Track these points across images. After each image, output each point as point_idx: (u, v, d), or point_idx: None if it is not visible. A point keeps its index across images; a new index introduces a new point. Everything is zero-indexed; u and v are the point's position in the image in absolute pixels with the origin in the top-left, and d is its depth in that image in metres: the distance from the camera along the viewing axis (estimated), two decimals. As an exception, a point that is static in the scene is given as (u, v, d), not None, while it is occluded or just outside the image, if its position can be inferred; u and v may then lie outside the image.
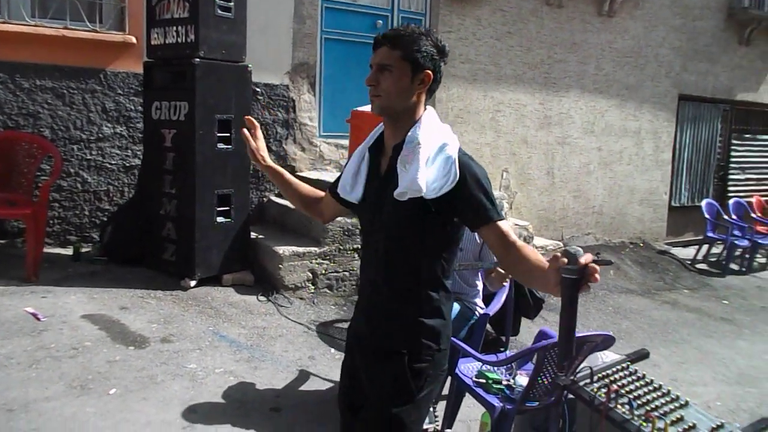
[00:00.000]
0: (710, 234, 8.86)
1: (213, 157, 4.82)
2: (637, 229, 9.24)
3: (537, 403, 3.06)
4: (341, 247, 5.25)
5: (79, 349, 3.73)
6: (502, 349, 3.87)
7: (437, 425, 3.41)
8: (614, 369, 2.56)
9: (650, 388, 2.44)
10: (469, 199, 1.78)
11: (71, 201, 5.35)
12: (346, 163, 2.08)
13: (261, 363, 3.94)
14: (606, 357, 3.11)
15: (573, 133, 8.34)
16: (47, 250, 5.04)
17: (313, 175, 6.11)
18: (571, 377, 2.50)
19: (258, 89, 5.98)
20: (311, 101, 6.47)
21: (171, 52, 4.87)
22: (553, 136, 8.16)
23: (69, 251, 5.19)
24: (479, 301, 3.80)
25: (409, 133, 1.84)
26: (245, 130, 2.18)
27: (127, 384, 3.44)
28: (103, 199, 5.48)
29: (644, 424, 2.19)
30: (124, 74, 5.46)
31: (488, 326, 3.87)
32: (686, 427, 2.20)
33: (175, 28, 4.78)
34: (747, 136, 10.75)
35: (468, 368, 3.36)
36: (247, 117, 2.26)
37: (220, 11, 4.76)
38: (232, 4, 4.82)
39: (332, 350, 4.32)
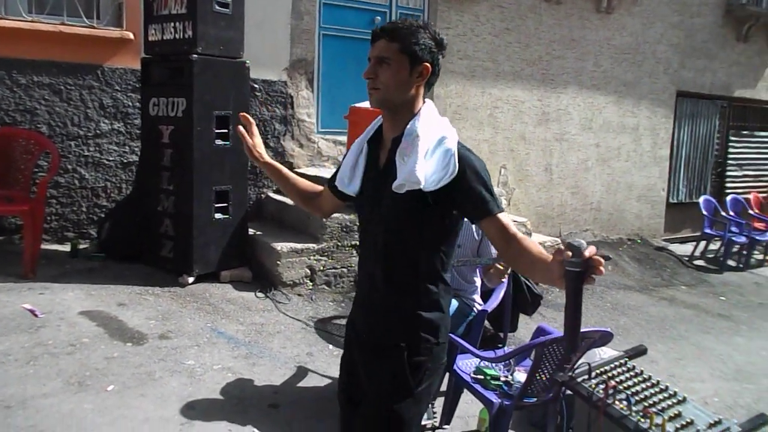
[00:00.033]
0: (708, 230, 8.87)
1: (211, 153, 4.81)
2: (635, 226, 9.26)
3: (535, 399, 3.06)
4: (339, 244, 5.25)
5: (77, 345, 3.72)
6: (500, 346, 3.87)
7: (435, 421, 3.42)
8: (612, 365, 2.56)
9: (648, 384, 2.45)
10: (468, 191, 1.78)
11: (69, 197, 5.34)
12: (345, 156, 2.08)
13: (259, 359, 3.94)
14: (604, 353, 3.11)
15: (571, 129, 8.34)
16: (45, 246, 5.03)
17: (311, 171, 6.11)
18: (569, 373, 2.50)
19: (256, 85, 5.97)
20: (309, 97, 6.46)
21: (168, 48, 4.86)
22: (551, 132, 8.16)
23: (66, 248, 5.19)
24: (477, 297, 3.80)
25: (408, 126, 1.84)
26: (241, 128, 2.18)
27: (124, 380, 3.44)
28: (100, 195, 5.47)
29: (642, 420, 2.20)
30: (121, 70, 5.44)
31: (486, 322, 3.87)
32: (684, 423, 2.21)
33: (172, 24, 4.77)
34: (744, 132, 10.77)
35: (466, 364, 3.36)
36: (242, 114, 2.25)
37: (217, 7, 4.74)
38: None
39: (330, 346, 4.32)
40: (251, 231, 5.39)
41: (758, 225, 9.15)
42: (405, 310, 1.87)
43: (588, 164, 8.60)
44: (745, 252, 8.88)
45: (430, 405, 3.24)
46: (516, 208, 7.84)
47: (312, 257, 5.15)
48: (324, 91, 6.63)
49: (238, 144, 4.78)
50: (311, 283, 5.16)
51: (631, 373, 2.52)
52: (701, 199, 9.12)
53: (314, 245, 5.17)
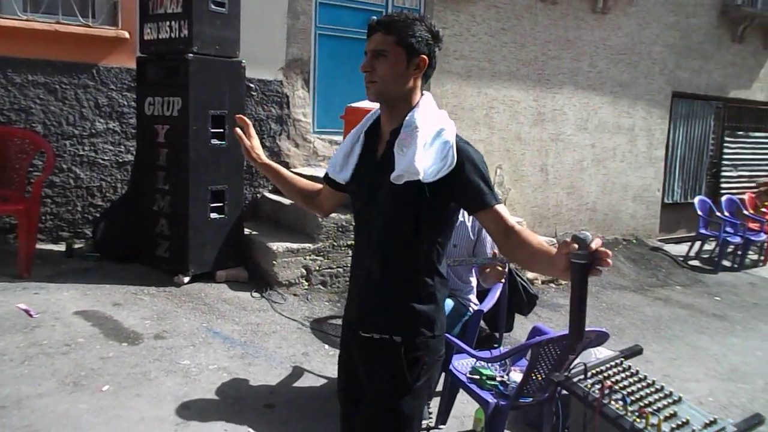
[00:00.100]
0: (703, 231, 8.89)
1: (206, 152, 4.80)
2: (630, 226, 9.28)
3: (531, 399, 3.07)
4: (335, 244, 5.25)
5: (72, 345, 3.71)
6: (495, 346, 3.86)
7: (431, 421, 3.42)
8: (608, 365, 2.57)
9: (644, 384, 2.46)
10: (466, 183, 1.78)
11: (64, 197, 5.32)
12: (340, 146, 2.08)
13: (255, 359, 3.93)
14: (599, 353, 3.12)
15: (566, 130, 8.35)
16: (39, 246, 5.02)
17: (307, 171, 6.10)
18: (565, 373, 2.51)
19: (252, 85, 5.96)
20: (305, 97, 6.45)
21: (164, 47, 4.85)
22: (547, 132, 8.17)
23: (62, 247, 5.17)
24: (473, 297, 3.80)
25: (407, 118, 1.84)
26: (238, 129, 2.17)
27: (120, 380, 3.43)
28: (95, 194, 5.46)
29: (638, 420, 2.20)
30: (116, 69, 5.43)
31: (482, 322, 3.87)
32: (679, 422, 2.21)
33: (168, 23, 4.76)
34: (739, 133, 10.80)
35: (462, 364, 3.37)
36: (238, 116, 2.24)
37: (213, 6, 4.73)
38: (225, -1, 4.81)
39: (326, 346, 4.32)
40: (247, 231, 5.38)
41: (753, 225, 9.18)
42: (402, 303, 1.87)
43: (583, 165, 8.62)
44: (739, 252, 8.90)
45: (426, 406, 3.23)
46: (512, 208, 7.84)
47: (308, 257, 5.15)
48: (320, 91, 6.63)
49: (234, 143, 4.80)
50: (307, 283, 5.15)
51: (627, 373, 2.52)
52: (696, 200, 9.14)
53: (310, 245, 5.17)
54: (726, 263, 8.78)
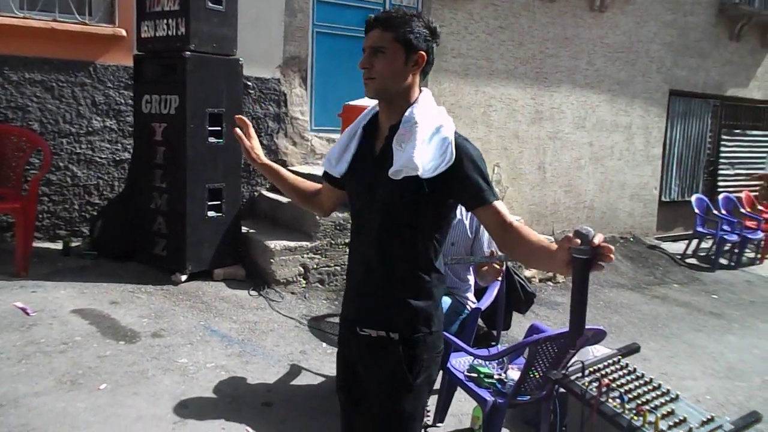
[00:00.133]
0: (700, 229, 8.91)
1: (204, 151, 4.79)
2: (628, 224, 9.29)
3: (528, 397, 3.07)
4: (333, 242, 5.24)
5: (69, 344, 3.71)
6: (493, 344, 3.87)
7: (428, 419, 3.42)
8: (605, 363, 2.58)
9: (641, 382, 2.46)
10: (465, 179, 1.79)
11: (61, 195, 5.31)
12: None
13: (252, 358, 3.93)
14: (597, 351, 3.12)
15: (564, 128, 8.35)
16: (36, 244, 5.01)
17: (305, 169, 6.09)
18: (563, 371, 2.51)
19: (249, 83, 5.95)
20: (303, 95, 6.44)
21: (161, 45, 4.83)
22: (545, 131, 8.18)
23: (59, 246, 5.16)
24: (471, 295, 3.80)
25: (406, 114, 1.84)
26: (238, 130, 2.17)
27: (117, 379, 3.43)
28: (93, 193, 5.45)
29: (635, 417, 2.21)
30: (114, 67, 5.42)
31: (480, 321, 3.87)
32: (677, 420, 2.22)
33: (165, 20, 4.75)
34: (737, 131, 10.81)
35: (459, 362, 3.37)
36: (238, 116, 2.24)
37: (210, 4, 4.72)
38: (223, -4, 4.80)
39: (324, 344, 4.32)
40: (244, 229, 5.38)
41: (750, 223, 9.19)
42: (399, 299, 1.87)
43: (581, 163, 8.62)
44: (736, 250, 8.91)
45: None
46: (509, 206, 7.84)
47: (305, 255, 5.15)
48: (317, 89, 6.62)
49: (232, 142, 4.80)
50: (304, 282, 5.15)
51: (624, 371, 2.53)
52: (693, 198, 9.15)
53: (308, 243, 5.16)
54: (723, 261, 8.79)
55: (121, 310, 4.24)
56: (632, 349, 2.78)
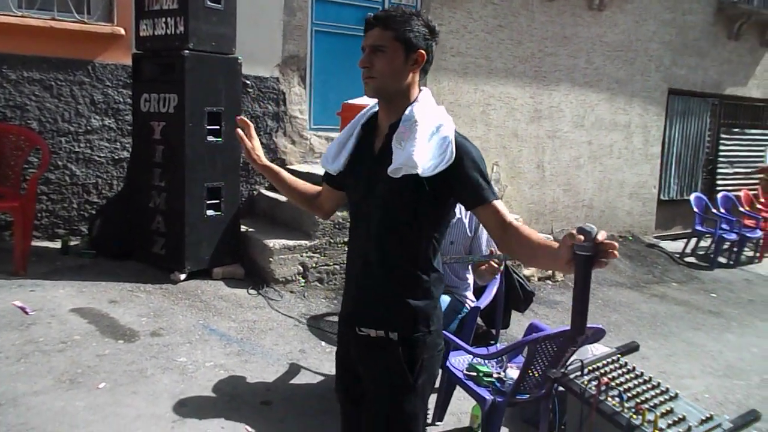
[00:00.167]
0: (699, 227, 8.91)
1: (203, 149, 4.79)
2: (627, 223, 9.29)
3: (527, 395, 3.07)
4: (332, 241, 5.24)
5: (68, 342, 3.70)
6: (492, 342, 3.87)
7: (428, 418, 3.42)
8: (604, 362, 2.57)
9: (640, 380, 2.46)
10: (465, 178, 1.79)
11: (59, 194, 5.31)
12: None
13: (251, 356, 3.93)
14: (596, 350, 3.13)
15: (563, 126, 8.35)
16: (35, 243, 5.00)
17: (304, 168, 6.09)
18: (562, 370, 2.51)
19: (248, 82, 5.94)
20: (301, 94, 6.44)
21: (160, 43, 4.83)
22: (544, 129, 8.17)
23: (57, 244, 5.16)
24: (470, 294, 3.80)
25: (406, 112, 1.84)
26: (240, 131, 2.17)
27: (116, 378, 3.42)
28: (91, 192, 5.44)
29: (634, 416, 2.21)
30: (112, 66, 5.41)
31: (479, 319, 3.87)
32: (676, 419, 2.22)
33: (164, 19, 4.74)
34: (735, 130, 10.82)
35: (459, 361, 3.37)
36: (240, 118, 2.24)
37: (209, 3, 4.72)
38: (222, -5, 4.80)
39: (323, 343, 4.32)
40: (243, 228, 5.37)
41: (748, 222, 9.19)
42: (397, 298, 1.87)
43: (580, 161, 8.62)
44: (735, 249, 8.92)
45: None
46: (508, 205, 7.84)
47: (304, 254, 5.15)
48: (316, 88, 6.62)
49: (230, 140, 4.80)
50: (304, 280, 5.15)
51: (623, 370, 2.53)
52: (692, 197, 9.16)
53: (307, 242, 5.16)
54: (722, 260, 8.80)
55: (120, 309, 4.23)
56: (631, 348, 2.78)
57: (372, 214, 1.88)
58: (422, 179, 1.77)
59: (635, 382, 2.44)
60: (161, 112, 4.80)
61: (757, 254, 9.25)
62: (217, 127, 4.85)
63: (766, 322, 6.40)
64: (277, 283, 5.00)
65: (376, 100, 1.94)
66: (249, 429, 3.18)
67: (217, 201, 4.94)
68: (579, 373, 2.46)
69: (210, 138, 4.82)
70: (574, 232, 1.52)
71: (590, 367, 2.50)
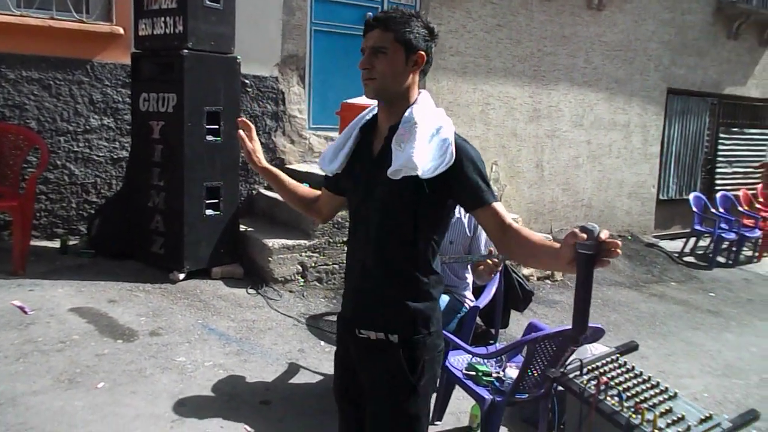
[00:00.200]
0: (698, 227, 8.92)
1: (202, 149, 4.79)
2: (626, 222, 9.30)
3: (527, 395, 3.07)
4: (331, 240, 5.24)
5: (67, 342, 3.70)
6: (491, 342, 3.88)
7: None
8: (603, 361, 2.58)
9: (639, 380, 2.46)
10: (464, 180, 1.79)
11: (58, 193, 5.30)
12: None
13: (250, 356, 3.93)
14: (595, 349, 3.12)
15: (562, 126, 8.36)
16: (34, 242, 5.00)
17: (303, 167, 6.09)
18: (561, 369, 2.51)
19: (247, 81, 5.94)
20: (300, 93, 6.44)
21: (159, 43, 4.82)
22: (543, 129, 8.18)
23: (56, 244, 5.15)
24: (469, 293, 3.80)
25: (406, 114, 1.84)
26: (241, 132, 2.16)
27: (115, 377, 3.42)
28: (90, 191, 5.44)
29: (634, 415, 2.21)
30: (111, 65, 5.41)
31: (478, 319, 3.87)
32: (675, 418, 2.22)
33: (163, 18, 4.74)
34: (734, 129, 10.83)
35: (458, 360, 3.37)
36: (241, 119, 2.23)
37: (208, 2, 4.71)
38: (221, -6, 4.79)
39: (322, 343, 4.32)
40: (242, 227, 5.37)
41: (747, 222, 9.20)
42: (397, 300, 1.87)
43: (579, 161, 8.63)
44: (734, 248, 8.93)
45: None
46: (507, 204, 7.84)
47: (303, 254, 5.14)
48: (315, 87, 6.62)
49: (229, 140, 4.80)
50: (303, 280, 5.15)
51: (623, 369, 2.53)
52: (691, 196, 9.16)
53: (306, 242, 5.16)
54: (720, 259, 8.81)
55: (119, 309, 4.23)
56: (630, 347, 2.78)
57: (371, 217, 1.88)
58: (422, 181, 1.77)
59: (634, 381, 2.44)
60: (160, 112, 4.79)
61: (756, 254, 9.26)
62: (216, 126, 4.84)
63: (765, 321, 6.40)
64: (276, 282, 5.00)
65: (376, 101, 1.94)
66: (248, 428, 3.17)
67: (216, 200, 4.93)
68: (578, 373, 2.46)
69: (209, 137, 4.82)
70: (577, 230, 1.51)
71: (589, 367, 2.50)
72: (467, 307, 3.72)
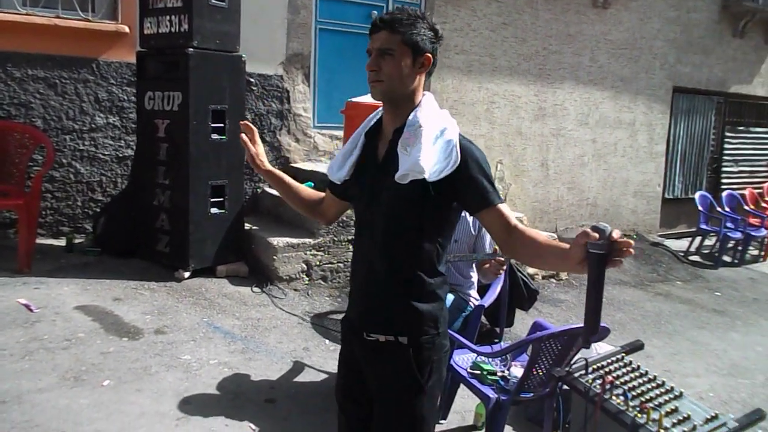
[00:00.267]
0: (703, 226, 8.89)
1: (207, 147, 4.79)
2: (631, 221, 9.27)
3: (532, 394, 3.07)
4: (336, 239, 5.24)
5: (73, 340, 3.71)
6: (496, 341, 3.87)
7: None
8: (609, 360, 2.57)
9: (645, 379, 2.45)
10: (470, 181, 1.78)
11: (64, 192, 5.32)
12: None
13: (255, 354, 3.93)
14: (600, 348, 3.12)
15: (567, 124, 8.34)
16: (40, 241, 5.02)
17: (308, 166, 6.09)
18: (566, 368, 2.51)
19: (252, 80, 5.95)
20: (305, 92, 6.44)
21: (164, 41, 4.83)
22: (548, 127, 8.16)
23: (62, 242, 5.17)
24: (474, 292, 3.80)
25: (410, 117, 1.84)
26: (243, 136, 2.16)
27: (120, 375, 3.43)
28: (96, 189, 5.45)
29: (639, 415, 2.20)
30: (116, 64, 5.42)
31: (482, 318, 3.87)
32: (681, 418, 2.21)
33: (168, 17, 4.74)
34: (740, 128, 10.78)
35: (463, 359, 3.37)
36: (243, 122, 2.23)
37: (213, 0, 4.72)
38: (226, -7, 4.79)
39: (327, 341, 4.32)
40: (247, 226, 5.38)
41: (753, 221, 9.17)
42: (404, 302, 1.87)
43: (584, 160, 8.61)
44: (740, 248, 8.90)
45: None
46: (512, 203, 7.83)
47: (308, 252, 5.15)
48: (320, 86, 6.62)
49: (234, 138, 4.80)
50: (307, 278, 5.15)
51: (628, 369, 2.52)
52: (697, 195, 9.13)
53: (310, 240, 5.16)
54: (726, 259, 8.77)
55: (124, 307, 4.24)
56: (636, 347, 2.77)
57: (376, 220, 1.88)
58: (428, 184, 1.77)
59: (640, 380, 2.43)
60: (165, 110, 4.80)
61: (762, 253, 9.22)
62: (222, 125, 4.85)
63: (771, 320, 6.38)
64: (281, 281, 5.01)
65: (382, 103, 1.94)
66: (253, 427, 3.18)
67: (221, 199, 4.94)
68: (583, 372, 2.45)
69: (214, 136, 4.83)
70: (588, 230, 1.50)
71: (595, 366, 2.49)
72: (472, 305, 3.72)
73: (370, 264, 1.91)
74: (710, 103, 10.09)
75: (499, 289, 3.76)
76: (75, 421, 2.98)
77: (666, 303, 6.61)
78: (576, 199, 8.59)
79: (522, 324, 4.80)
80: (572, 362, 2.62)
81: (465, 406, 3.63)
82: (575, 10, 8.11)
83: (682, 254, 8.67)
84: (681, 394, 2.37)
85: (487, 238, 3.68)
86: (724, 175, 10.64)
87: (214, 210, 4.90)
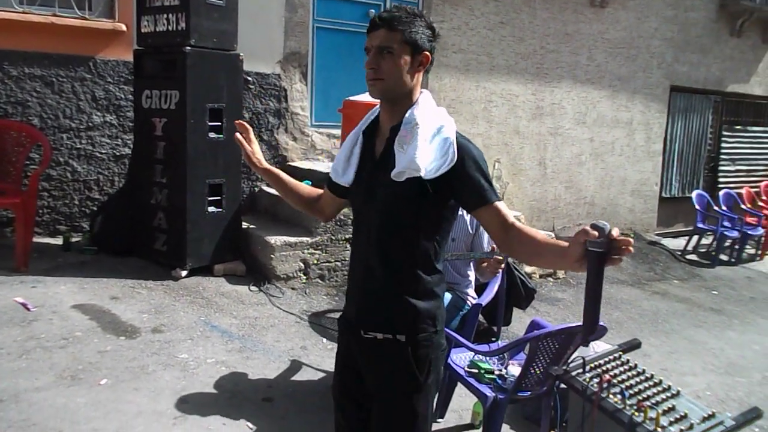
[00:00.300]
0: (700, 225, 8.90)
1: (204, 146, 4.79)
2: (628, 220, 9.28)
3: (529, 392, 3.07)
4: (333, 237, 5.24)
5: (70, 339, 3.71)
6: (494, 339, 3.87)
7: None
8: (606, 359, 2.57)
9: (642, 377, 2.46)
10: (467, 179, 1.78)
11: (61, 190, 5.31)
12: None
13: (253, 353, 3.93)
14: (598, 347, 3.12)
15: (565, 123, 8.34)
16: (37, 239, 5.00)
17: (305, 164, 6.09)
18: (564, 367, 2.51)
19: (249, 78, 5.94)
20: (303, 90, 6.43)
21: (161, 40, 4.82)
22: (545, 126, 8.16)
23: (59, 241, 5.16)
24: (471, 291, 3.80)
25: (407, 115, 1.84)
26: (238, 135, 2.16)
27: (118, 374, 3.43)
28: (93, 188, 5.44)
29: (636, 413, 2.21)
30: (114, 62, 5.41)
31: (480, 316, 3.87)
32: (678, 416, 2.22)
33: (165, 15, 4.74)
34: (737, 127, 10.80)
35: (460, 358, 3.37)
36: (238, 121, 2.21)
37: (211, -1, 4.72)
38: (223, -9, 4.79)
39: (324, 340, 4.32)
40: (245, 224, 5.37)
41: (750, 220, 9.18)
42: (401, 300, 1.86)
43: (582, 159, 8.61)
44: (737, 246, 8.91)
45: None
46: (510, 202, 7.84)
47: (306, 251, 5.14)
48: (318, 85, 6.61)
49: (232, 137, 4.77)
50: (305, 277, 5.15)
51: (625, 367, 2.53)
52: (694, 194, 9.14)
53: (308, 239, 5.16)
54: (723, 257, 8.79)
55: (122, 306, 4.23)
56: (633, 345, 2.77)
57: (373, 218, 1.88)
58: (425, 182, 1.77)
59: (637, 379, 2.44)
60: (163, 109, 4.79)
61: (759, 252, 9.24)
62: (219, 123, 4.84)
63: (768, 319, 6.40)
64: (278, 279, 5.00)
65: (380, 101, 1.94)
66: (250, 425, 3.18)
67: (219, 198, 4.94)
68: (581, 371, 2.45)
69: (211, 134, 4.82)
70: (588, 228, 1.50)
71: (592, 365, 2.50)
72: (470, 304, 3.72)
73: (368, 262, 1.91)
74: (707, 102, 10.10)
75: (496, 287, 3.77)
76: (72, 420, 2.97)
77: (663, 302, 6.62)
78: (573, 197, 8.60)
79: (519, 323, 4.80)
80: (569, 361, 2.63)
81: (462, 404, 3.63)
82: (573, 9, 8.11)
83: (679, 253, 8.69)
84: (678, 392, 2.38)
85: (485, 236, 3.68)
86: (721, 174, 10.66)
87: (211, 209, 4.90)
